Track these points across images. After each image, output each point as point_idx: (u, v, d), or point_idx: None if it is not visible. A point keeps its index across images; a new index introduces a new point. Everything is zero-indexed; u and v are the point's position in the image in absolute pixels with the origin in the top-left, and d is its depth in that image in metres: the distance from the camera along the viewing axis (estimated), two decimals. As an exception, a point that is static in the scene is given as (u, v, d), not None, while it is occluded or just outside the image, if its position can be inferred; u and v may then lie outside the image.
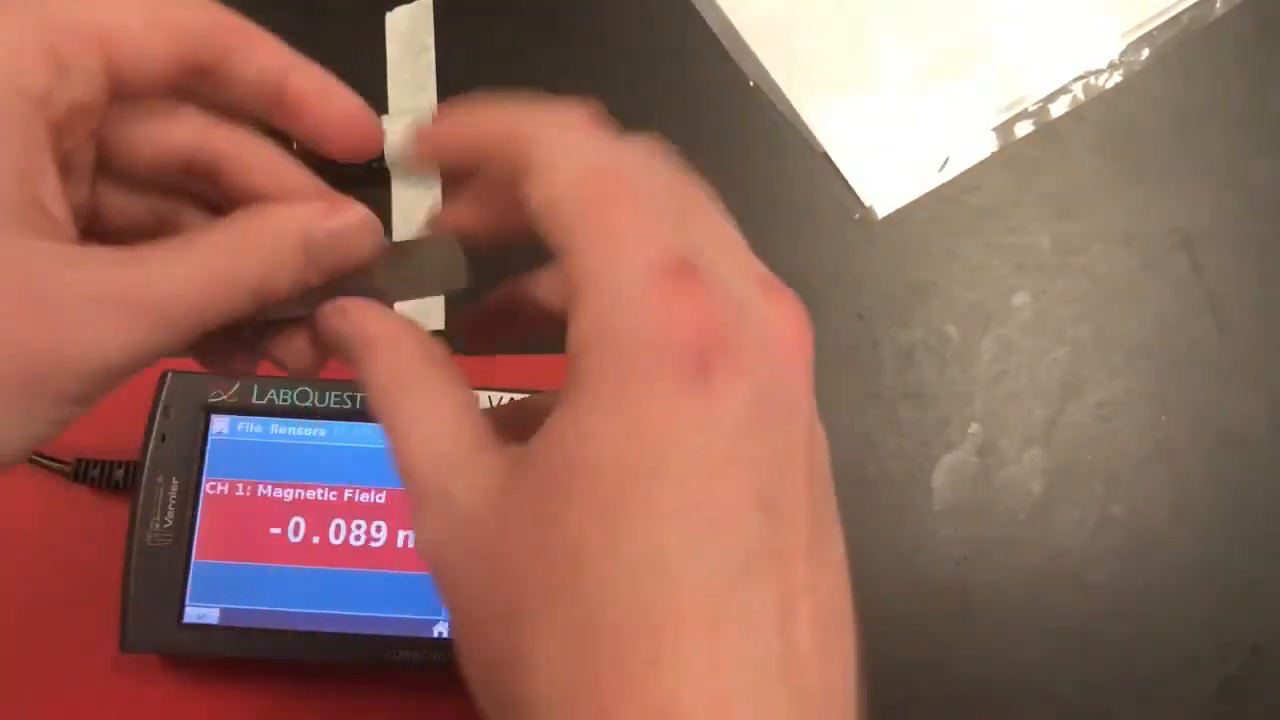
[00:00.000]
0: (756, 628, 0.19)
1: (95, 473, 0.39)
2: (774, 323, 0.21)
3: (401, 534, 0.37)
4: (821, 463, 0.21)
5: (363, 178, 0.43)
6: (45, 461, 0.39)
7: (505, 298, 0.27)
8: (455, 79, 0.44)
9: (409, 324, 0.24)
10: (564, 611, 0.19)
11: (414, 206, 0.43)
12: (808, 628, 0.19)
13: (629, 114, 0.40)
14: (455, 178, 0.25)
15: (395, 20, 0.46)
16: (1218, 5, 0.46)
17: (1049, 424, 0.41)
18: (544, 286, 0.27)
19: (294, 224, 0.24)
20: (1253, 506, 0.41)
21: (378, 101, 0.44)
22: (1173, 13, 0.46)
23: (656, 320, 0.19)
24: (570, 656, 0.19)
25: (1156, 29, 0.46)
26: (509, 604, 0.20)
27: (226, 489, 0.37)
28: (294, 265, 0.23)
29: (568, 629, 0.19)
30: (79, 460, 0.39)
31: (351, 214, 0.24)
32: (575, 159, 0.21)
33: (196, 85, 0.24)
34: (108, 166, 0.24)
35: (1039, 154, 0.44)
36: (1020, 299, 0.43)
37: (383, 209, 0.43)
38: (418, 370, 0.23)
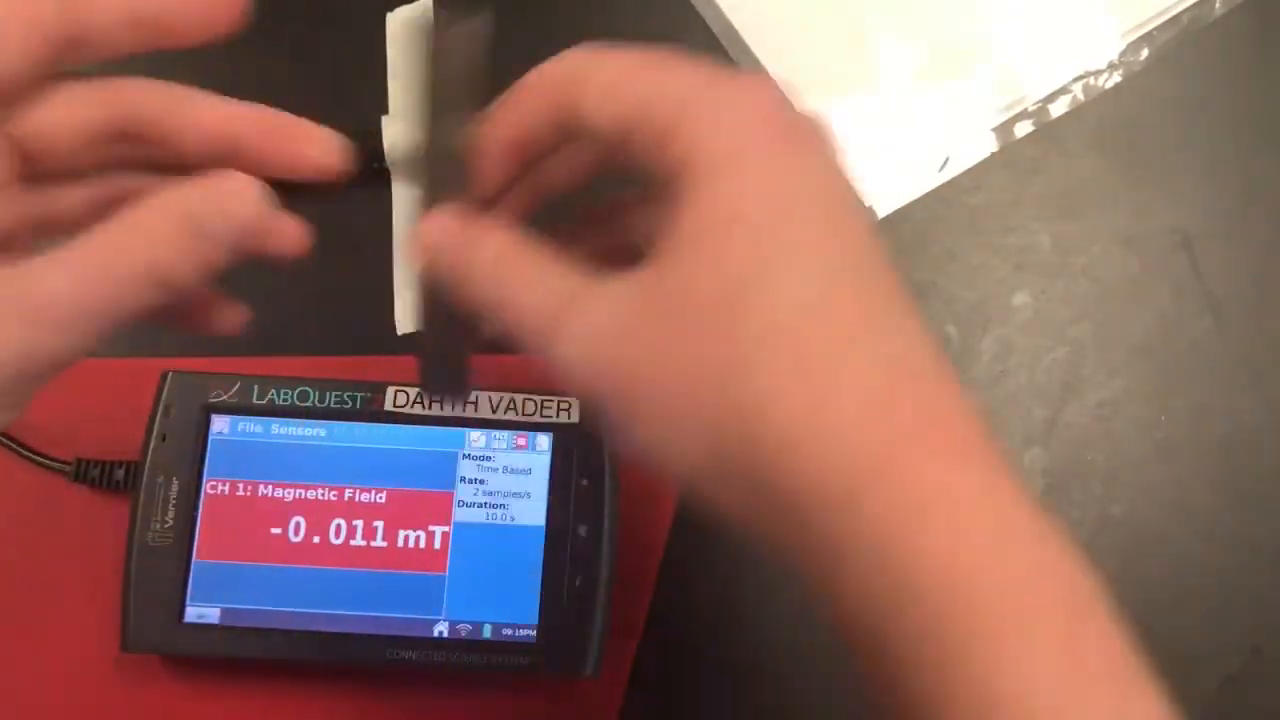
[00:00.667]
0: (898, 303, 0.24)
1: (96, 473, 0.39)
2: (810, 115, 0.25)
3: (401, 534, 0.37)
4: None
5: (362, 178, 0.43)
6: (46, 461, 0.39)
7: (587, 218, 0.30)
8: (455, 79, 0.44)
9: (492, 220, 0.27)
10: (759, 310, 0.23)
11: (414, 206, 0.43)
12: (909, 307, 0.24)
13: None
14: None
15: (395, 22, 0.46)
16: (1217, 5, 0.46)
17: (1049, 424, 0.41)
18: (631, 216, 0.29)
19: (173, 205, 0.25)
20: (1253, 506, 0.41)
21: (378, 102, 0.44)
22: (1172, 13, 0.46)
23: (749, 99, 0.24)
24: (778, 342, 0.22)
25: (1156, 29, 0.46)
26: (710, 327, 0.23)
27: (227, 489, 0.37)
28: (183, 245, 0.25)
29: (766, 323, 0.23)
30: (80, 460, 0.39)
31: (228, 183, 0.26)
32: (610, 55, 0.26)
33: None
34: (38, 167, 0.26)
35: (1039, 154, 0.45)
36: (1020, 299, 0.43)
37: (383, 209, 0.43)
38: (516, 243, 0.26)
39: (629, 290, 0.24)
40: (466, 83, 0.27)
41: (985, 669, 0.21)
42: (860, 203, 0.27)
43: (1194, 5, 0.46)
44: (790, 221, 0.23)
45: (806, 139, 0.25)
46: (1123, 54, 0.46)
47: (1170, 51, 0.46)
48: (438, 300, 0.27)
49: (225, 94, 0.44)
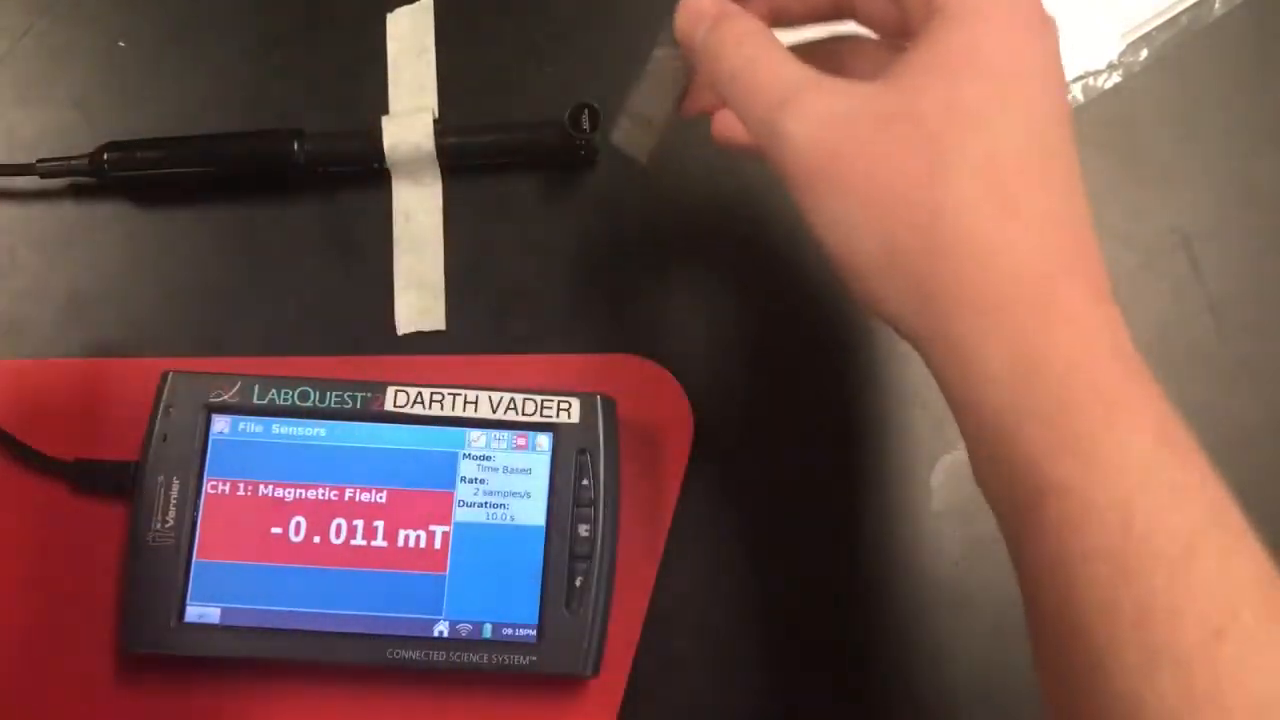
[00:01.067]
0: (1078, 181, 0.28)
1: (97, 473, 0.39)
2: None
3: (402, 533, 0.37)
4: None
5: (363, 177, 0.43)
6: (45, 461, 0.39)
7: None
8: (456, 79, 0.44)
9: (741, 8, 0.31)
10: (977, 142, 0.27)
11: (414, 205, 0.43)
12: (1080, 178, 0.28)
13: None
14: None
15: (396, 21, 0.46)
16: (1216, 6, 0.46)
17: (1048, 424, 0.42)
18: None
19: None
20: (1253, 505, 0.41)
21: (379, 102, 0.44)
22: (1171, 14, 0.46)
23: None
24: (984, 171, 0.27)
25: (1155, 30, 0.46)
26: (925, 141, 0.27)
27: (227, 488, 0.37)
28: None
29: (979, 154, 0.27)
30: (80, 460, 0.39)
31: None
32: None
33: None
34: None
35: (1038, 154, 0.45)
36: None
37: (383, 209, 0.43)
38: (762, 28, 0.31)
39: (861, 92, 0.28)
40: None
41: (1098, 433, 0.25)
42: (1065, 83, 0.31)
43: (1193, 6, 0.46)
44: (1023, 77, 0.28)
45: (1041, 27, 0.29)
46: (1122, 54, 0.46)
47: (1169, 52, 0.46)
48: (664, 69, 0.33)
49: (228, 93, 0.44)
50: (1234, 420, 0.42)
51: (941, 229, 0.26)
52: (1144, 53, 0.46)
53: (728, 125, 0.35)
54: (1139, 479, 0.24)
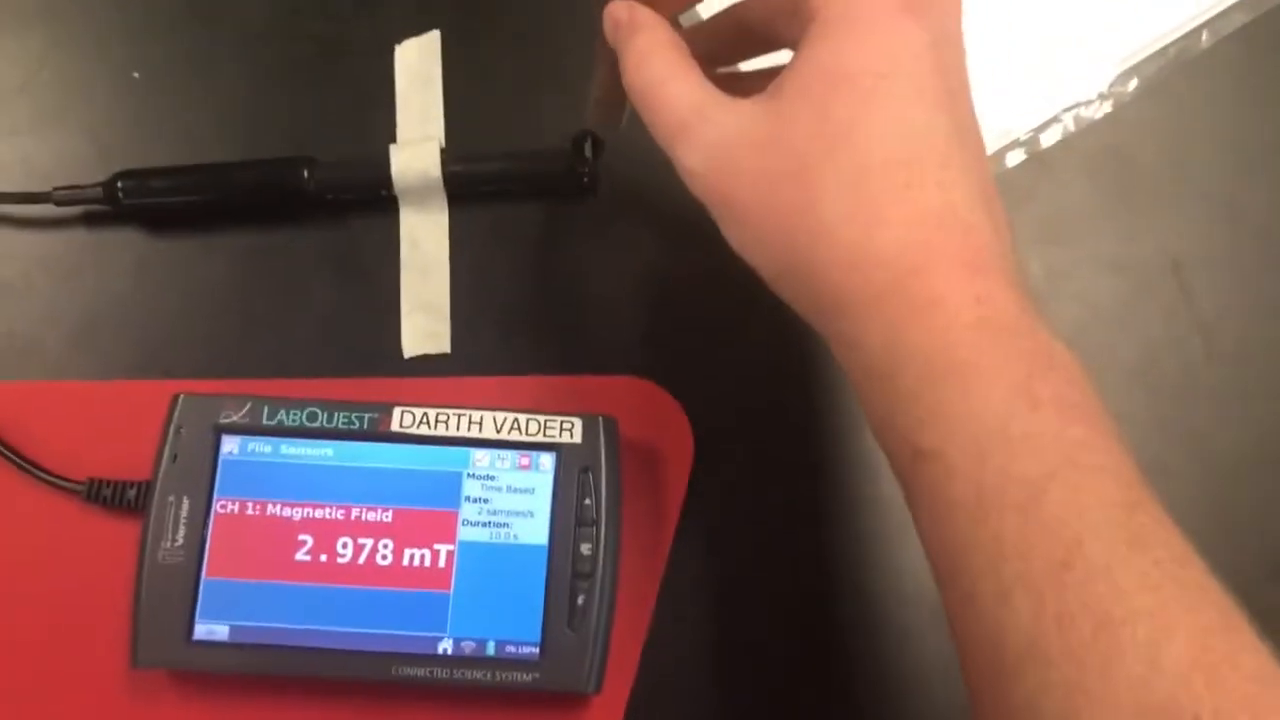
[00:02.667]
0: (968, 166, 0.29)
1: (108, 492, 0.39)
2: None
3: (408, 552, 0.38)
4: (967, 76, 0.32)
5: (371, 204, 0.44)
6: (59, 481, 0.40)
7: (720, 23, 0.37)
8: (462, 109, 0.45)
9: (656, 16, 0.33)
10: (844, 159, 0.29)
11: (420, 232, 0.44)
12: (985, 170, 0.31)
13: (635, 143, 0.42)
14: None
15: (404, 52, 0.47)
16: (1204, 38, 0.47)
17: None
18: (748, 9, 0.35)
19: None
20: (1246, 529, 0.42)
21: (387, 131, 0.45)
22: (1160, 45, 0.47)
23: None
24: (850, 187, 0.29)
25: (1144, 61, 0.47)
26: (796, 171, 0.29)
27: (236, 508, 0.38)
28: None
29: (845, 172, 0.29)
30: (92, 480, 0.39)
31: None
32: None
33: None
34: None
35: (1031, 182, 0.45)
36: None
37: (391, 235, 0.44)
38: (667, 43, 0.32)
39: (744, 118, 0.30)
40: None
41: (954, 400, 0.27)
42: (958, 61, 0.31)
43: (1181, 38, 0.47)
44: (890, 79, 0.29)
45: (923, 12, 0.30)
46: (1112, 85, 0.47)
47: (1158, 82, 0.47)
48: (605, 51, 0.34)
49: (239, 122, 0.45)
50: (1225, 442, 0.42)
51: (818, 247, 0.29)
52: (1134, 83, 0.47)
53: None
54: (991, 436, 0.26)
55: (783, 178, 0.29)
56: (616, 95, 0.35)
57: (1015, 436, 0.26)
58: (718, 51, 0.36)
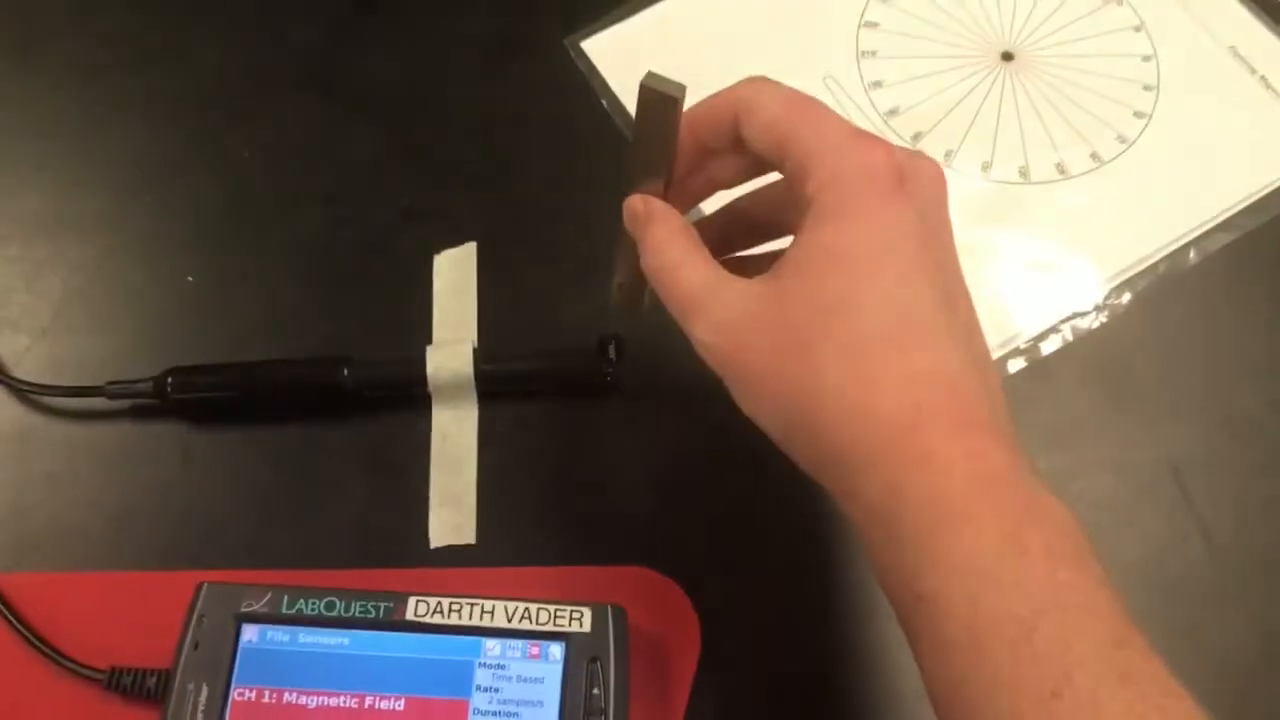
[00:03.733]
0: (956, 330, 0.32)
1: (128, 681, 0.40)
2: (925, 166, 0.34)
3: (418, 742, 0.38)
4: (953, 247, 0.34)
5: (404, 399, 0.46)
6: (81, 670, 0.40)
7: (726, 216, 0.40)
8: (495, 315, 0.48)
9: (670, 208, 0.36)
10: (841, 331, 0.31)
11: (451, 427, 0.46)
12: (975, 334, 0.34)
13: (656, 347, 0.44)
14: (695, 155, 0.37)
15: (442, 262, 0.50)
16: (1191, 255, 0.50)
17: (1052, 646, 0.42)
18: (750, 203, 0.39)
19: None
20: (1243, 718, 0.41)
21: (424, 333, 0.48)
22: (1150, 261, 0.50)
23: (866, 160, 0.32)
24: (848, 355, 0.31)
25: (1136, 275, 0.50)
26: (798, 343, 0.31)
27: (254, 695, 0.38)
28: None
29: (843, 344, 0.31)
30: (114, 669, 0.40)
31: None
32: (773, 94, 0.34)
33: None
34: None
35: (1032, 388, 0.47)
36: (1020, 524, 0.44)
37: (423, 431, 0.46)
38: (680, 231, 0.36)
39: (749, 297, 0.33)
40: (661, 142, 0.35)
41: (949, 548, 0.29)
42: (944, 230, 0.34)
43: (1170, 255, 0.50)
44: (878, 265, 0.31)
45: (910, 192, 0.32)
46: (1106, 297, 0.49)
47: (1150, 295, 0.49)
48: (629, 243, 0.37)
49: (283, 323, 0.48)
50: (1227, 642, 0.42)
51: (821, 410, 0.31)
52: (1126, 296, 0.49)
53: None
54: (984, 579, 0.28)
55: (787, 349, 0.32)
56: (638, 282, 0.38)
57: (1006, 581, 0.28)
58: (724, 240, 0.39)
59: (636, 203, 0.37)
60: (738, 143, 0.35)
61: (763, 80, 0.35)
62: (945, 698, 0.29)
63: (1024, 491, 0.30)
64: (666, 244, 0.35)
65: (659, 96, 0.33)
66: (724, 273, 0.34)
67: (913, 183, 0.32)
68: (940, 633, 0.29)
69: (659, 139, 0.35)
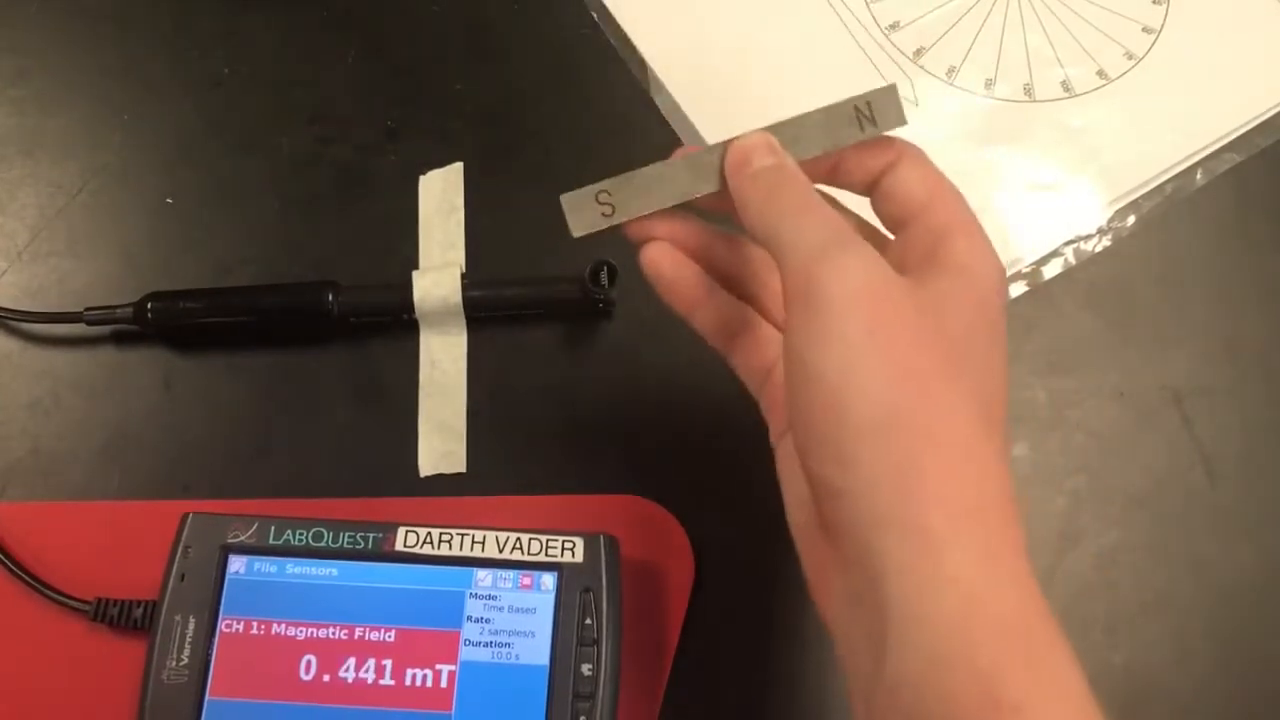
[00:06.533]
0: (979, 443, 0.28)
1: (115, 612, 0.39)
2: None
3: (410, 672, 0.37)
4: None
5: (392, 326, 0.45)
6: (67, 600, 0.40)
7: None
8: (483, 237, 0.47)
9: (785, 155, 0.33)
10: (959, 385, 0.28)
11: (440, 353, 0.45)
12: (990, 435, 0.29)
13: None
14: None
15: (428, 183, 0.49)
16: (1198, 176, 0.49)
17: (1049, 573, 0.42)
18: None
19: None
20: (1250, 656, 0.41)
21: (410, 257, 0.47)
22: (1156, 183, 0.49)
23: (985, 260, 0.32)
24: (968, 409, 0.28)
25: (1141, 198, 0.48)
26: (943, 362, 0.29)
27: (241, 627, 0.38)
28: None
29: (966, 397, 0.28)
30: (100, 600, 0.40)
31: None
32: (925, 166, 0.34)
33: None
34: None
35: (1033, 313, 0.46)
36: (1019, 451, 0.44)
37: (410, 358, 0.45)
38: (802, 182, 0.32)
39: (896, 273, 0.30)
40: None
41: (982, 691, 0.25)
42: (1002, 342, 0.32)
43: (1177, 176, 0.49)
44: (978, 341, 0.30)
45: (1002, 302, 0.32)
46: (1110, 220, 0.48)
47: (1155, 218, 0.48)
48: (656, 178, 0.34)
49: (266, 247, 0.47)
50: (1228, 570, 0.42)
51: (849, 499, 0.28)
52: (1131, 219, 0.48)
53: (656, 260, 0.35)
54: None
55: (931, 345, 0.29)
56: (625, 213, 0.34)
57: None
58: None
59: (763, 141, 0.33)
60: (873, 185, 0.34)
61: (915, 149, 0.34)
62: None
63: (1028, 606, 0.27)
64: (800, 184, 0.32)
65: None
66: (856, 233, 0.31)
67: (1003, 297, 0.33)
68: None
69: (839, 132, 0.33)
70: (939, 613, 0.26)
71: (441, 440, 0.44)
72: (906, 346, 0.28)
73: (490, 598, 0.38)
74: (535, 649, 0.38)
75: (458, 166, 0.49)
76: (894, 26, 0.52)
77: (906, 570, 0.26)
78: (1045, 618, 0.27)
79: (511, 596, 0.38)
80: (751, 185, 0.32)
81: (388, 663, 0.37)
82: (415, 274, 0.45)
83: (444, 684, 0.37)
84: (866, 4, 0.52)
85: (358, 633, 0.38)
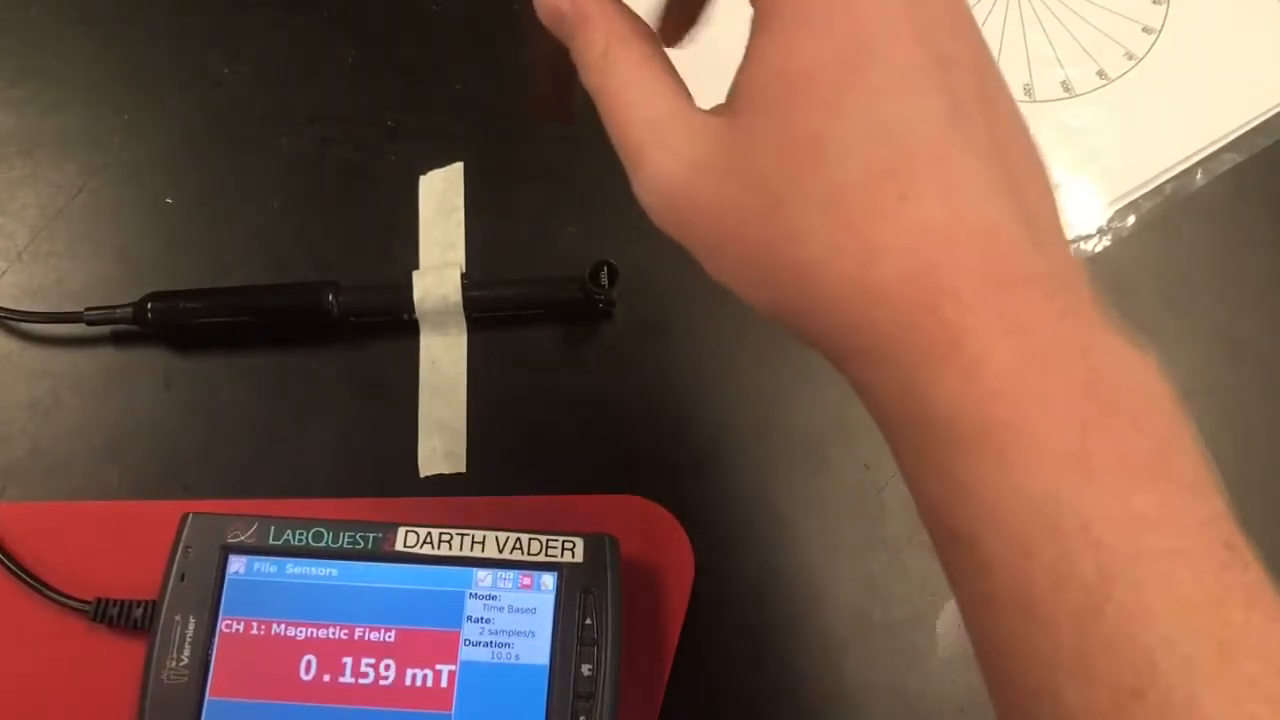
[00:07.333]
0: (978, 143, 0.23)
1: (115, 612, 0.39)
2: None
3: (410, 672, 0.37)
4: (974, 25, 0.25)
5: (393, 326, 0.45)
6: (67, 601, 0.40)
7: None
8: (483, 237, 0.47)
9: (618, 3, 0.27)
10: (814, 185, 0.23)
11: (440, 354, 0.45)
12: (1010, 143, 0.24)
13: (650, 265, 0.43)
14: None
15: (429, 182, 0.49)
16: (1198, 177, 0.49)
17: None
18: None
19: None
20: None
21: (410, 257, 0.47)
22: (1156, 183, 0.49)
23: None
24: (829, 215, 0.23)
25: (1141, 198, 0.48)
26: (764, 199, 0.23)
27: (242, 627, 0.38)
28: None
29: (822, 196, 0.23)
30: (100, 600, 0.40)
31: None
32: None
33: None
34: None
35: (1033, 313, 0.46)
36: (1019, 451, 0.44)
37: (411, 358, 0.45)
38: (627, 40, 0.26)
39: (701, 141, 0.25)
40: None
41: (988, 475, 0.22)
42: (950, 12, 0.24)
43: (1177, 176, 0.49)
44: (854, 80, 0.23)
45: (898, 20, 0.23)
46: (1110, 220, 0.48)
47: (1155, 218, 0.48)
48: (548, 40, 0.28)
49: (266, 247, 0.47)
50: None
51: (807, 287, 0.23)
52: (1131, 219, 0.48)
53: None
54: (1037, 524, 0.21)
55: (750, 212, 0.24)
56: (563, 88, 0.30)
57: (1067, 527, 0.21)
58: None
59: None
60: None
61: None
62: (994, 664, 0.23)
63: (1089, 364, 0.22)
64: (613, 62, 0.26)
65: None
66: (687, 101, 0.26)
67: None
68: (981, 588, 0.22)
69: None
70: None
71: (441, 440, 0.44)
72: (724, 245, 0.25)
73: (490, 598, 0.38)
74: (535, 649, 0.38)
75: (458, 166, 0.49)
76: (894, 27, 0.52)
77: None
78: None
79: (511, 596, 0.38)
80: (578, 52, 0.27)
81: (388, 663, 0.37)
82: (415, 274, 0.45)
83: (444, 684, 0.37)
84: (866, 4, 0.52)
85: (358, 633, 0.38)
